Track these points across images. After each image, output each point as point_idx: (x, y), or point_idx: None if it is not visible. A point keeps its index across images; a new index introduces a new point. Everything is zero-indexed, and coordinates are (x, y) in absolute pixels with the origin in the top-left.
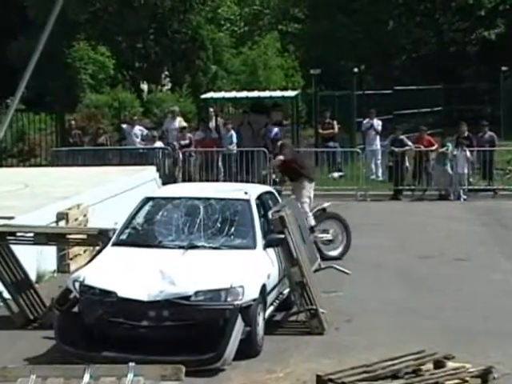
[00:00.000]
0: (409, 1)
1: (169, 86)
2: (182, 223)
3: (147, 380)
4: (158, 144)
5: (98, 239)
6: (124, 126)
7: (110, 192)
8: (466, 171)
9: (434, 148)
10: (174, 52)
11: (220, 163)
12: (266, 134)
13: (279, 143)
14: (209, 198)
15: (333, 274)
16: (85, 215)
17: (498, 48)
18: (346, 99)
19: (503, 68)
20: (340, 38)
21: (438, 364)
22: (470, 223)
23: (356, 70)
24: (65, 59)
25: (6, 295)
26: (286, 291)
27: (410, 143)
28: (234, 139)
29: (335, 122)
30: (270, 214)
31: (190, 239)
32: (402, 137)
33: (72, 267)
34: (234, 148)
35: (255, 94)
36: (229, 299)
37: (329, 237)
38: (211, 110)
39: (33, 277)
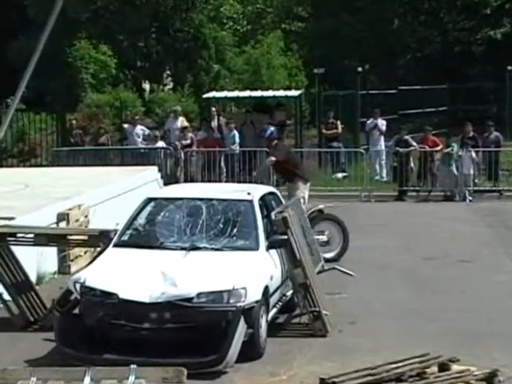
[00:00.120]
0: None
1: (171, 85)
2: (184, 224)
3: (149, 382)
4: (160, 144)
5: (99, 240)
6: (125, 125)
7: (112, 192)
8: (471, 172)
9: (438, 148)
10: (176, 51)
11: (222, 163)
12: (262, 133)
13: (274, 143)
14: (211, 199)
15: (336, 276)
16: (86, 216)
17: (504, 47)
18: (350, 99)
19: (509, 67)
20: (344, 37)
21: (443, 367)
22: (475, 224)
23: (360, 69)
24: (66, 58)
25: (6, 297)
26: (289, 293)
27: (414, 143)
28: (237, 139)
29: (339, 122)
30: (272, 214)
31: (192, 240)
32: (407, 137)
33: (73, 268)
34: (236, 148)
35: (258, 93)
36: (231, 301)
37: (324, 238)
38: (213, 109)
39: (33, 278)
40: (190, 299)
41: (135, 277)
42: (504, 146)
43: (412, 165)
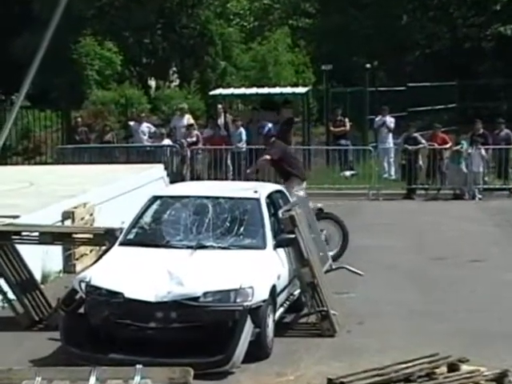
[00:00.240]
0: None
1: (177, 82)
2: (191, 223)
3: (155, 383)
4: (166, 142)
5: (105, 239)
6: (131, 123)
7: (117, 190)
8: (480, 170)
9: (448, 146)
10: (182, 47)
11: (229, 161)
12: (260, 129)
13: (271, 140)
14: (218, 197)
15: (344, 275)
16: (91, 214)
17: None
18: (358, 96)
19: None
20: (352, 33)
21: (452, 367)
22: (484, 223)
23: (368, 65)
24: (71, 55)
25: (11, 296)
26: (297, 292)
27: (423, 141)
28: (244, 137)
29: (347, 120)
30: (280, 213)
31: (198, 239)
32: (416, 134)
33: (78, 267)
34: (243, 146)
35: (265, 90)
36: (238, 300)
37: (322, 238)
38: (220, 106)
39: (38, 277)
40: (196, 298)
41: (141, 276)
42: None
43: (421, 163)
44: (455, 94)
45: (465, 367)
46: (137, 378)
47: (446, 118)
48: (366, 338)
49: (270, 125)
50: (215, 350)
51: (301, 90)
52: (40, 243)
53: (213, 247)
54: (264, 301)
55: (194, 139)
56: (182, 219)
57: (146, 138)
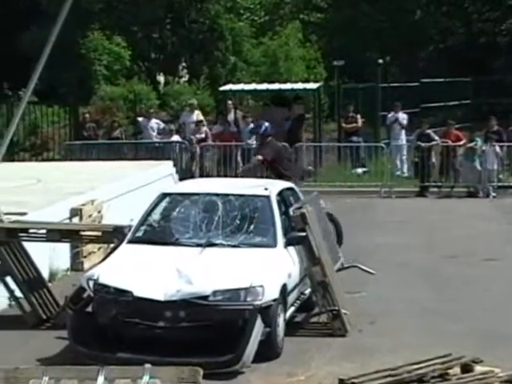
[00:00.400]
0: None
1: (186, 77)
2: (200, 220)
3: (163, 382)
4: (175, 138)
5: (113, 236)
6: (140, 119)
7: (126, 187)
8: (495, 167)
9: (461, 143)
10: (191, 42)
11: (239, 158)
12: (257, 129)
13: (267, 140)
14: (227, 194)
15: (356, 274)
16: (99, 211)
17: None
18: (371, 92)
19: None
20: (363, 28)
21: (466, 368)
22: (498, 221)
23: (381, 61)
24: (79, 50)
25: (18, 294)
26: (308, 291)
27: (436, 138)
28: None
29: (359, 116)
30: (291, 210)
31: (207, 237)
32: (429, 131)
33: (86, 265)
34: (253, 142)
35: (276, 86)
36: (248, 299)
37: None
38: (230, 102)
39: (45, 275)
40: (205, 297)
41: (150, 274)
42: None
43: (434, 160)
44: (469, 90)
45: (479, 368)
46: (145, 378)
47: (459, 115)
48: (377, 338)
49: (266, 124)
50: (225, 350)
51: (312, 85)
52: (47, 241)
53: (222, 245)
54: (274, 300)
55: (203, 136)
56: (192, 217)
57: (154, 134)
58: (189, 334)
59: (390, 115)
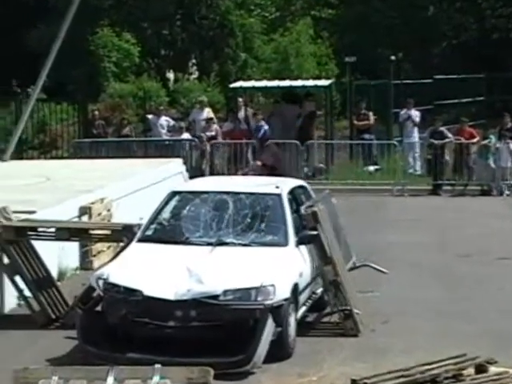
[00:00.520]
0: None
1: (196, 74)
2: (210, 219)
3: (174, 383)
4: (185, 135)
5: (123, 235)
6: (149, 116)
7: (135, 185)
8: (509, 165)
9: (475, 140)
10: (201, 39)
11: (250, 155)
12: (255, 133)
13: (266, 144)
14: (238, 193)
15: (368, 273)
16: (109, 210)
17: None
18: (383, 88)
19: None
20: (375, 24)
21: (480, 369)
22: None
23: (393, 57)
24: (88, 46)
25: (27, 293)
26: (319, 291)
27: (450, 135)
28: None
29: (371, 113)
30: (302, 209)
31: (218, 235)
32: (442, 128)
33: (95, 264)
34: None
35: (287, 83)
36: (259, 299)
37: None
38: (240, 99)
39: (54, 274)
40: (216, 297)
41: (160, 273)
42: None
43: (447, 157)
44: (483, 87)
45: (493, 369)
46: (155, 378)
47: (473, 112)
48: (390, 338)
49: (266, 127)
50: (235, 350)
51: (323, 82)
52: (56, 239)
53: (233, 244)
54: (286, 299)
55: (213, 133)
56: (202, 215)
57: (164, 131)
58: (199, 334)
59: (402, 112)
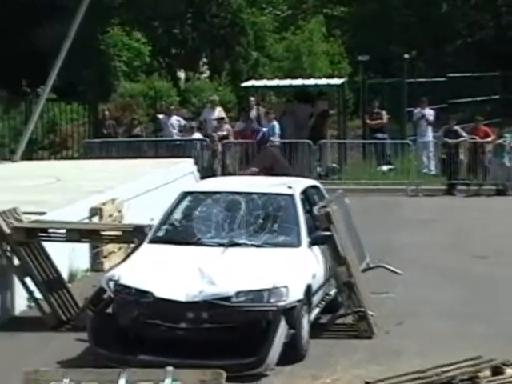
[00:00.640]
0: None
1: (207, 73)
2: (222, 219)
3: None
4: (197, 135)
5: (134, 236)
6: (160, 116)
7: (146, 186)
8: None
9: (490, 139)
10: (212, 38)
11: None
12: (254, 136)
13: (263, 147)
14: (250, 193)
15: (383, 274)
16: (119, 211)
17: None
18: (396, 87)
19: None
20: (389, 22)
21: (496, 371)
22: None
23: (406, 55)
24: (98, 46)
25: (38, 295)
26: (333, 292)
27: (464, 134)
28: (277, 130)
29: (384, 112)
30: (315, 209)
31: (230, 236)
32: (457, 127)
33: (106, 265)
34: (276, 139)
35: (299, 81)
36: (272, 300)
37: None
38: (252, 99)
39: (65, 276)
40: (228, 298)
41: (171, 274)
42: None
43: (462, 157)
44: (498, 85)
45: (509, 371)
46: (167, 381)
47: (488, 110)
48: (404, 340)
49: (264, 129)
50: (248, 352)
51: (336, 81)
52: (67, 240)
53: (245, 245)
54: (299, 301)
55: (225, 133)
56: (214, 216)
57: (175, 131)
58: (211, 336)
59: (416, 111)
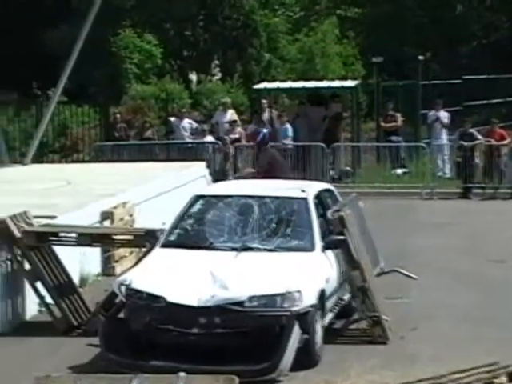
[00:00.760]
0: None
1: (219, 75)
2: (235, 223)
3: None
4: (208, 138)
5: (145, 240)
6: (172, 119)
7: (158, 189)
8: None
9: (506, 142)
10: (224, 39)
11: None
12: (254, 136)
13: (262, 148)
14: (263, 197)
15: (397, 279)
16: (131, 214)
17: None
18: (411, 89)
19: None
20: (403, 23)
21: None
22: None
23: (421, 57)
24: (109, 48)
25: (49, 300)
26: (347, 297)
27: (480, 137)
28: (290, 133)
29: (398, 115)
30: (329, 213)
31: (243, 240)
32: (472, 130)
33: (117, 270)
34: (289, 142)
35: (312, 84)
36: (285, 305)
37: None
38: (264, 101)
39: (76, 280)
40: (241, 303)
41: (183, 279)
42: None
43: (477, 160)
44: None
45: None
46: None
47: (504, 113)
48: (419, 345)
49: (264, 130)
50: (261, 357)
51: (350, 83)
52: (78, 245)
53: (258, 249)
54: (312, 306)
55: (237, 136)
56: (226, 220)
57: (187, 134)
58: (224, 341)
59: (430, 113)
